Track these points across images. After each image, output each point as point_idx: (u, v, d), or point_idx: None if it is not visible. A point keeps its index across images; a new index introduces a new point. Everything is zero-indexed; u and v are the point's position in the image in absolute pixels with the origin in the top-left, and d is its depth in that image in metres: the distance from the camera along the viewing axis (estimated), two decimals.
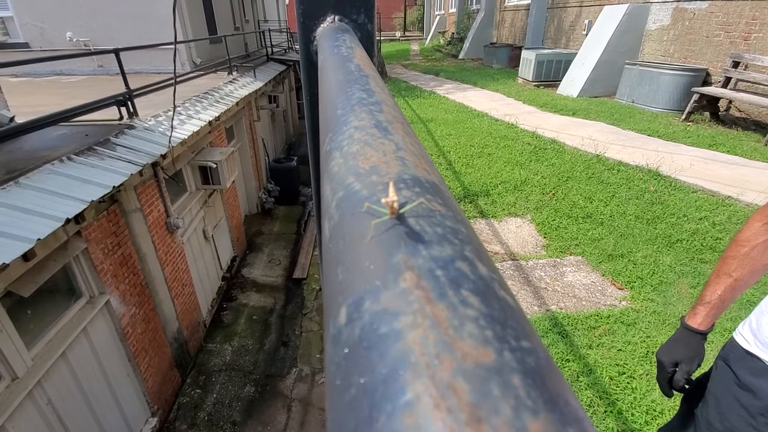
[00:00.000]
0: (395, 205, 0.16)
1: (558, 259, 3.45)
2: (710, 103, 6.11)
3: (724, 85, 5.93)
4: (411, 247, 0.14)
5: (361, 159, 0.20)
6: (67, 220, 2.57)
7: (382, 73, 12.41)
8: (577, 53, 8.73)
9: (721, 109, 6.21)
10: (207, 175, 5.21)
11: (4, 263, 2.12)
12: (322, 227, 0.20)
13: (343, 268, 0.15)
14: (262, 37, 11.59)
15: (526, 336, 0.11)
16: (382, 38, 21.06)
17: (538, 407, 0.09)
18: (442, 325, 0.11)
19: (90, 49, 7.26)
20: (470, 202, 4.38)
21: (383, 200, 0.16)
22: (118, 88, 3.95)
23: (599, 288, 3.09)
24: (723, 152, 4.97)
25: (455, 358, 0.10)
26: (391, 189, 0.17)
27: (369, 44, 0.78)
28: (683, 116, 6.27)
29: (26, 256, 2.45)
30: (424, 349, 0.10)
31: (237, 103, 6.12)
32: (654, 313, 2.75)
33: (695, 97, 6.06)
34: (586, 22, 9.23)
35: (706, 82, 6.44)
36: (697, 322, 1.09)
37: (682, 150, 5.13)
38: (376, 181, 0.18)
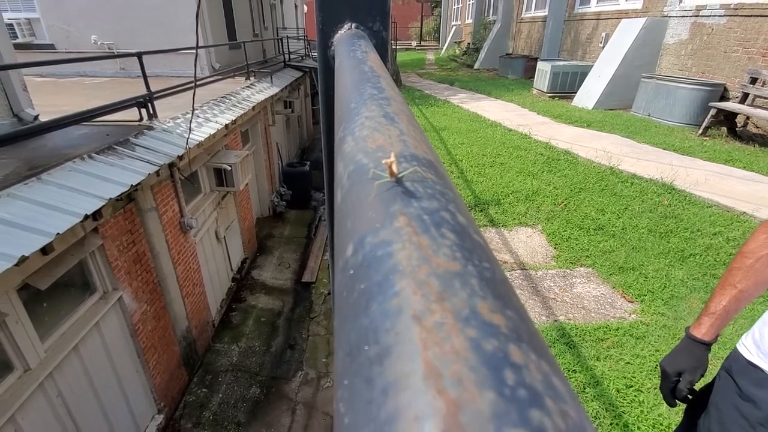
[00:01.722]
0: (393, 166, 0.19)
1: (568, 270, 3.43)
2: (727, 119, 6.03)
3: (742, 101, 5.86)
4: (405, 201, 0.17)
5: (369, 141, 0.23)
6: (86, 216, 2.64)
7: (397, 81, 12.51)
8: (593, 65, 8.71)
9: (738, 125, 6.13)
10: (221, 177, 5.30)
11: (23, 255, 2.18)
12: (335, 195, 0.23)
13: (351, 220, 0.18)
14: (280, 43, 11.79)
15: (489, 261, 0.14)
16: (398, 47, 21.25)
17: (486, 296, 0.11)
18: (424, 248, 0.14)
19: (113, 52, 7.46)
20: (481, 211, 4.39)
21: (384, 161, 0.19)
22: (138, 90, 4.06)
23: (609, 300, 3.06)
24: (739, 168, 4.90)
25: (431, 267, 0.13)
26: (392, 156, 0.20)
27: (383, 50, 0.81)
28: (700, 131, 6.20)
29: (45, 250, 2.52)
30: (409, 262, 0.13)
31: (253, 108, 6.23)
32: (664, 327, 2.72)
33: (712, 111, 6.00)
34: (603, 34, 9.22)
35: (723, 98, 6.37)
36: (701, 332, 1.09)
37: (698, 164, 5.07)
38: (381, 157, 0.21)
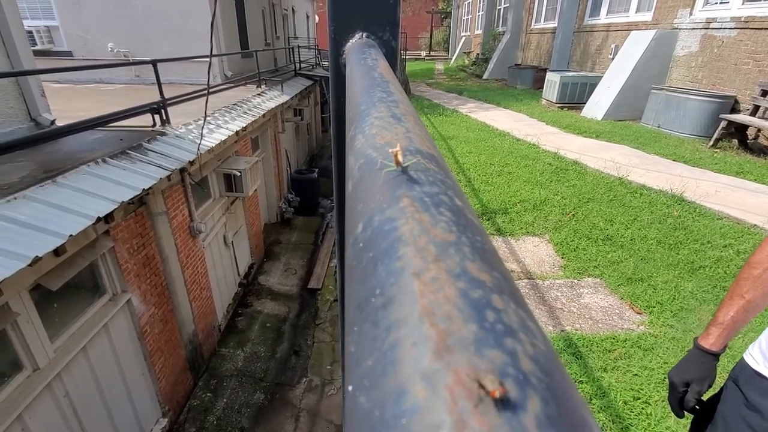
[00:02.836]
0: (399, 155, 0.21)
1: (575, 281, 3.41)
2: (738, 131, 5.99)
3: (753, 113, 5.82)
4: (409, 186, 0.19)
5: (378, 138, 0.25)
6: (98, 219, 2.69)
7: (407, 90, 12.61)
8: (602, 77, 8.71)
9: (750, 137, 6.08)
10: (231, 182, 5.37)
11: (37, 256, 2.23)
12: (346, 186, 0.25)
13: (361, 203, 0.20)
14: (291, 53, 11.96)
15: (481, 235, 0.16)
16: (407, 57, 21.43)
17: (476, 260, 0.13)
18: (424, 223, 0.16)
19: (129, 60, 7.63)
20: (488, 220, 4.39)
21: (390, 150, 0.21)
22: (152, 96, 4.15)
23: (617, 311, 3.03)
24: (750, 180, 4.85)
25: (429, 237, 0.15)
26: (398, 147, 0.22)
27: (392, 59, 0.84)
28: (711, 143, 6.16)
29: (57, 251, 2.57)
30: (411, 233, 0.15)
31: (263, 115, 6.32)
32: (673, 339, 2.69)
33: (723, 123, 5.96)
34: (613, 46, 9.23)
35: (734, 110, 6.33)
36: (709, 342, 1.09)
37: (708, 176, 5.03)
38: (393, 153, 0.23)
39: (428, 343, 0.10)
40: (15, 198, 2.43)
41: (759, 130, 5.99)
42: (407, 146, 0.24)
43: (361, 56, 0.64)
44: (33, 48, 5.54)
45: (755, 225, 3.81)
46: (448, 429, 0.08)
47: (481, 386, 0.09)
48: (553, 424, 0.08)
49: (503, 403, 0.08)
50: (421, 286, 0.12)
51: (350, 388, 0.11)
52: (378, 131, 0.27)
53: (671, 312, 2.95)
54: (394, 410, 0.09)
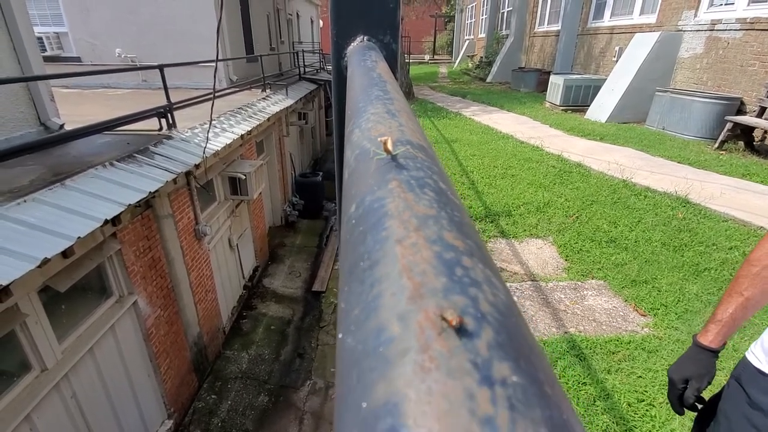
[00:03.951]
0: (389, 144, 0.23)
1: (579, 282, 3.41)
2: (744, 133, 5.96)
3: (759, 115, 5.79)
4: (398, 171, 0.21)
5: (372, 131, 0.27)
6: (106, 221, 2.73)
7: (410, 93, 12.64)
8: (606, 79, 8.70)
9: (756, 139, 6.05)
10: (236, 185, 5.41)
11: (45, 258, 2.27)
12: (343, 175, 0.26)
13: (355, 188, 0.22)
14: (295, 57, 12.05)
15: (459, 211, 0.17)
16: (411, 61, 21.49)
17: (452, 229, 0.15)
18: (409, 200, 0.17)
19: (136, 65, 7.73)
20: (491, 222, 4.39)
21: (379, 139, 0.23)
22: (159, 101, 4.20)
23: (621, 313, 3.02)
24: (756, 182, 4.83)
25: (412, 211, 0.17)
26: (387, 137, 0.24)
27: (392, 61, 0.87)
28: (716, 144, 6.13)
29: (65, 253, 2.60)
30: (397, 209, 0.17)
31: (268, 119, 6.37)
32: (678, 342, 2.68)
33: (729, 125, 5.93)
34: (617, 48, 9.22)
35: (740, 111, 6.30)
36: (708, 339, 1.10)
37: (714, 178, 5.01)
38: (381, 141, 0.25)
39: (405, 292, 0.12)
40: (25, 201, 2.48)
41: (765, 132, 5.96)
42: (399, 138, 0.26)
43: (362, 58, 0.66)
44: (43, 54, 5.63)
45: (761, 227, 3.78)
46: (415, 352, 0.10)
47: (444, 319, 0.11)
48: (501, 348, 0.10)
49: (461, 332, 0.10)
50: (402, 250, 0.14)
51: (340, 335, 0.13)
52: (373, 125, 0.28)
53: (676, 314, 2.94)
54: (373, 343, 0.11)
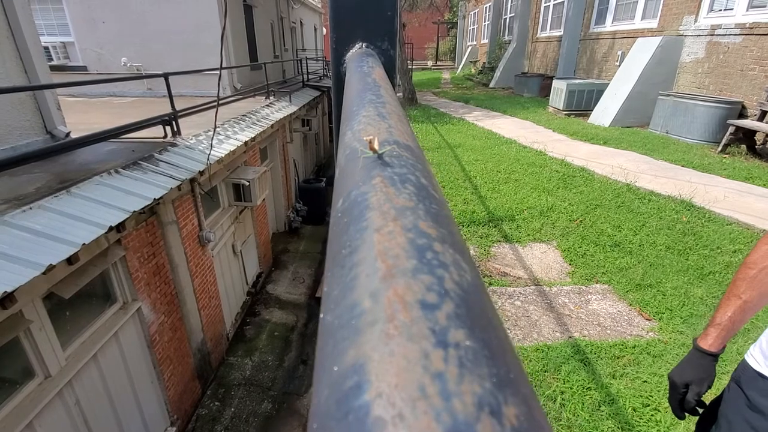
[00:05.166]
0: (375, 143, 0.24)
1: (583, 287, 3.40)
2: (746, 136, 5.95)
3: (760, 119, 5.78)
4: (382, 168, 0.22)
5: (363, 133, 0.29)
6: (110, 228, 2.75)
7: (413, 99, 12.70)
8: (609, 83, 8.72)
9: (758, 143, 6.03)
10: (240, 192, 5.44)
11: (50, 264, 2.28)
12: (335, 173, 0.28)
13: (343, 185, 0.23)
14: (299, 64, 12.15)
15: (438, 204, 0.19)
16: (414, 67, 21.61)
17: (427, 219, 0.16)
18: (389, 194, 0.19)
19: (142, 73, 7.82)
20: (494, 227, 4.39)
21: (365, 138, 0.24)
22: (164, 109, 4.24)
23: (625, 317, 3.01)
24: (759, 185, 4.81)
25: (392, 204, 0.18)
26: (373, 136, 0.25)
27: (390, 66, 0.88)
28: (719, 148, 6.12)
29: (70, 260, 2.63)
30: (378, 202, 0.18)
31: (272, 126, 6.41)
32: (683, 346, 2.66)
33: (731, 129, 5.93)
34: (619, 53, 9.25)
35: (742, 115, 6.29)
36: (707, 343, 1.09)
37: (717, 182, 5.00)
38: (367, 140, 0.26)
39: (378, 273, 0.13)
40: (30, 208, 2.51)
41: (767, 136, 5.94)
42: (387, 138, 0.27)
43: (359, 64, 0.68)
44: (49, 63, 5.71)
45: (764, 230, 3.76)
46: (382, 322, 0.11)
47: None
48: (459, 318, 0.11)
49: (424, 306, 0.11)
50: (379, 237, 0.15)
51: (322, 315, 0.14)
52: (364, 127, 0.30)
53: (681, 318, 2.93)
54: (347, 317, 0.12)
